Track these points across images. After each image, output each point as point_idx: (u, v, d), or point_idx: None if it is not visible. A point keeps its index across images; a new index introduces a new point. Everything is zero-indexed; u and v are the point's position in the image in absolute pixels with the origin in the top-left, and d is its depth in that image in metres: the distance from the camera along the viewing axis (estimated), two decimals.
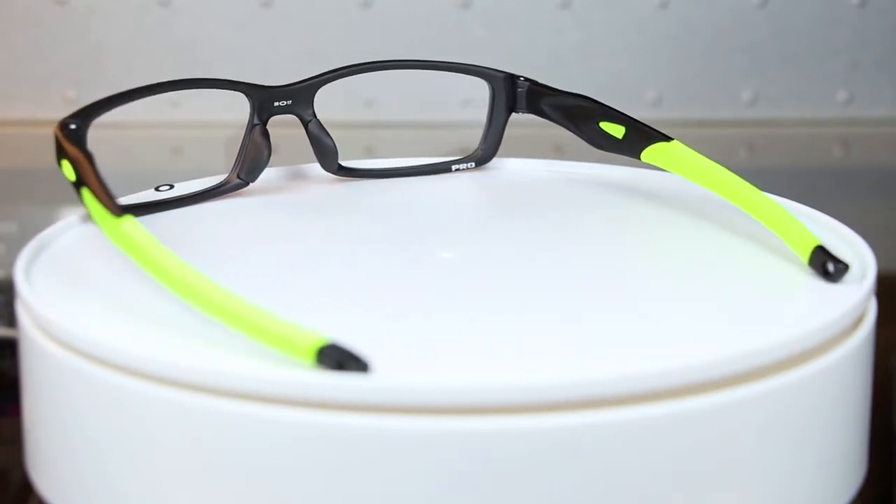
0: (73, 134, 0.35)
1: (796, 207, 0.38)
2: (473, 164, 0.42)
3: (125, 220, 0.31)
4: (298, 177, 0.42)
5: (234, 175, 0.40)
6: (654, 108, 0.74)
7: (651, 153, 0.38)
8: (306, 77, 0.40)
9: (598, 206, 0.39)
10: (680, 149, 0.37)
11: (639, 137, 0.38)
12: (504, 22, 0.74)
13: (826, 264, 0.31)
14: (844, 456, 0.31)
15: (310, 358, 0.27)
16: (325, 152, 0.40)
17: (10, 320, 0.33)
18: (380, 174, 0.42)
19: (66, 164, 0.34)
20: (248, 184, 0.40)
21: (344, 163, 0.41)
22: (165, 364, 0.28)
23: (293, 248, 0.36)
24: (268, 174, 0.41)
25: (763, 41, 0.75)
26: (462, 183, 0.42)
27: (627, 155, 0.39)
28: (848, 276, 0.31)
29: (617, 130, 0.39)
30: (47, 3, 0.72)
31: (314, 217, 0.39)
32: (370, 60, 0.42)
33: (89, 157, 0.34)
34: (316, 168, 0.41)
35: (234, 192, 0.40)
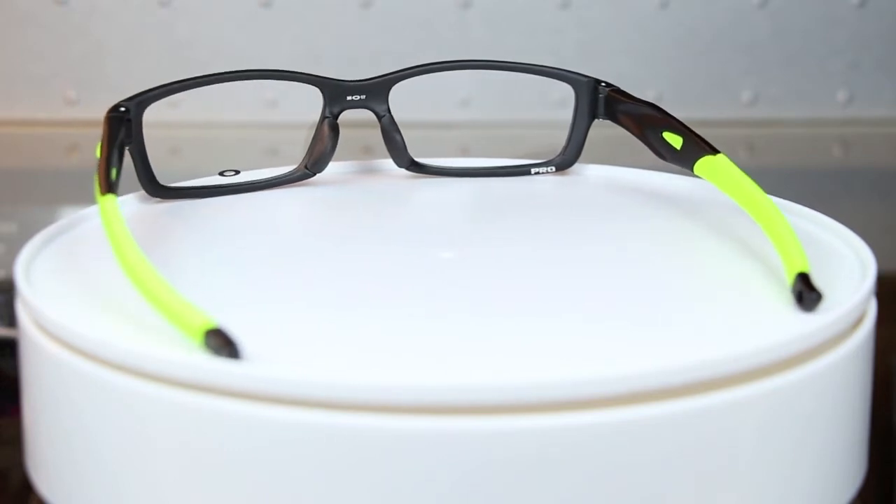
0: (113, 117, 0.37)
1: (796, 209, 0.38)
2: (553, 168, 0.42)
3: (106, 198, 0.32)
4: (368, 171, 0.43)
5: (302, 165, 0.41)
6: None
7: (701, 166, 0.37)
8: (382, 73, 0.41)
9: (636, 215, 0.39)
10: (721, 162, 0.36)
11: (692, 149, 0.38)
12: (504, 22, 0.74)
13: (801, 292, 0.30)
14: (844, 456, 0.31)
15: (198, 340, 0.28)
16: (397, 148, 0.41)
17: (10, 320, 0.33)
18: (452, 173, 0.42)
19: (98, 145, 0.36)
20: (313, 174, 0.41)
21: (418, 159, 0.41)
22: (166, 363, 0.28)
23: (310, 242, 0.37)
24: (340, 167, 0.42)
25: (763, 41, 0.75)
26: (524, 187, 0.41)
27: (683, 166, 0.38)
28: (822, 305, 0.30)
29: (676, 141, 0.38)
30: (47, 3, 0.72)
31: (351, 212, 0.39)
32: (446, 60, 0.42)
33: (110, 139, 0.36)
34: (391, 163, 0.42)
35: (299, 182, 0.41)
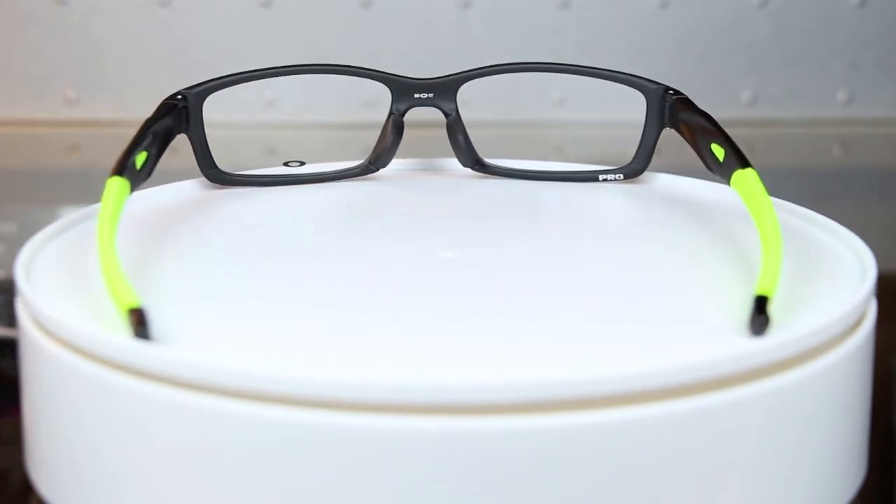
0: (163, 104, 0.38)
1: (796, 209, 0.38)
2: (622, 176, 0.41)
3: (112, 180, 0.33)
4: (430, 170, 0.43)
5: (367, 161, 0.41)
6: None
7: (736, 179, 0.36)
8: (450, 73, 0.41)
9: (660, 222, 0.38)
10: (748, 176, 0.35)
11: (730, 162, 0.36)
12: (504, 22, 0.74)
13: (753, 316, 0.29)
14: (844, 456, 0.31)
15: (124, 318, 0.29)
16: (461, 147, 0.41)
17: (10, 320, 0.33)
18: (516, 175, 0.42)
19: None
20: (376, 170, 0.41)
21: (485, 159, 0.41)
22: (166, 363, 0.28)
23: (326, 239, 0.37)
24: (403, 164, 0.42)
25: (763, 41, 0.75)
26: (557, 192, 0.41)
27: (723, 178, 0.37)
28: (771, 330, 0.30)
29: (721, 154, 0.37)
30: (47, 3, 0.72)
31: (386, 210, 0.39)
32: (518, 61, 0.42)
33: (146, 124, 0.37)
34: (456, 162, 0.42)
35: (361, 177, 0.41)
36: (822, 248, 0.35)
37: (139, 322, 0.29)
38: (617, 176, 0.41)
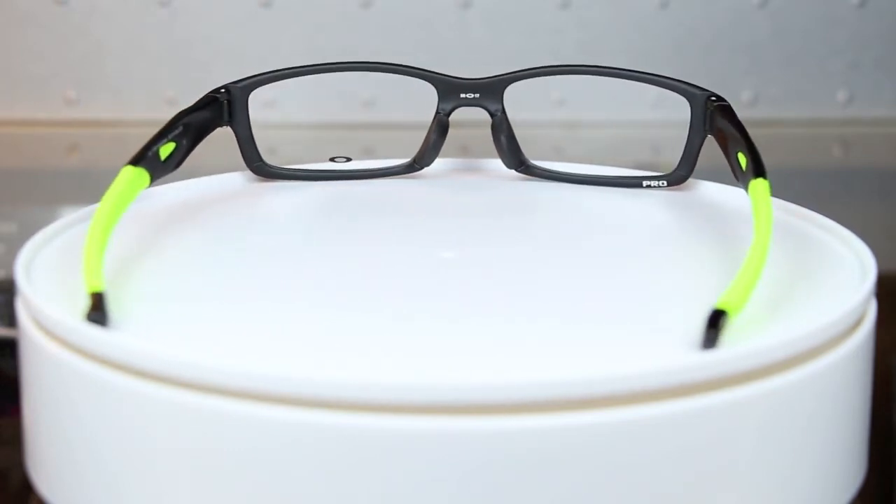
0: (205, 96, 0.39)
1: (796, 209, 0.38)
2: (665, 182, 0.41)
3: (125, 169, 0.34)
4: (473, 170, 0.43)
5: (412, 159, 0.41)
6: (653, 108, 0.74)
7: (751, 188, 0.35)
8: (497, 73, 0.41)
9: (673, 226, 0.38)
10: (759, 186, 0.35)
11: (749, 171, 0.35)
12: (504, 22, 0.74)
13: (705, 329, 0.29)
14: (844, 456, 0.31)
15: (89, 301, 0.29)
16: (503, 149, 0.41)
17: (10, 320, 0.33)
18: (559, 178, 0.42)
19: None
20: (420, 168, 0.41)
21: (531, 161, 0.41)
22: (166, 363, 0.28)
23: (339, 238, 0.37)
24: (447, 164, 0.43)
25: (763, 41, 0.75)
26: (591, 196, 0.41)
27: (743, 187, 0.36)
28: (725, 339, 0.29)
29: (744, 162, 0.36)
30: (47, 3, 0.72)
31: (410, 208, 0.40)
32: (566, 63, 0.42)
33: (178, 115, 0.37)
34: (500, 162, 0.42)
35: (404, 175, 0.42)
36: (822, 248, 0.35)
37: (94, 307, 0.29)
38: (661, 182, 0.41)
